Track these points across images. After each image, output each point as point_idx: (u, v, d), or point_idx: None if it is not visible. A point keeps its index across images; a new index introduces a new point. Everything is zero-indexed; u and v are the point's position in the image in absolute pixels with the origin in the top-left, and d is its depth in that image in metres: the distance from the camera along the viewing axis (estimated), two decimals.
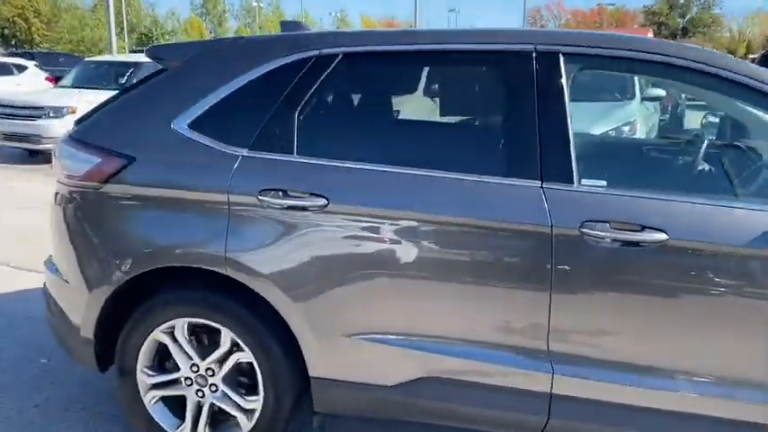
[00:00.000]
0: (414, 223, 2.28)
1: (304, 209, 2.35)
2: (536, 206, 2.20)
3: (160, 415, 2.68)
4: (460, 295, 2.30)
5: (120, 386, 2.68)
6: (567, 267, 2.18)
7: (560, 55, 2.30)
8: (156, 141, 2.54)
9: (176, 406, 2.69)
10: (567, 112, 2.24)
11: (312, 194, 2.34)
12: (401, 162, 2.35)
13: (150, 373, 2.65)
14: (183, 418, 2.66)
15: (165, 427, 2.67)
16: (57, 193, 2.77)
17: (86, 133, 2.67)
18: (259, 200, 2.38)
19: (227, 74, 2.54)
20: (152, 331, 2.58)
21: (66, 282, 2.68)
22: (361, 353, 2.41)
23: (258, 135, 2.46)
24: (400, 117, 2.64)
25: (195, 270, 2.49)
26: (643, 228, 2.13)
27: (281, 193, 2.37)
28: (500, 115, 2.35)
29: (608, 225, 2.15)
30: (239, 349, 2.53)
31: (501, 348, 2.31)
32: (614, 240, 2.15)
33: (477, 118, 2.38)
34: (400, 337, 2.37)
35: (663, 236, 2.11)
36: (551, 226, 2.18)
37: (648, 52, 2.28)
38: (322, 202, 2.32)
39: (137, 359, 2.63)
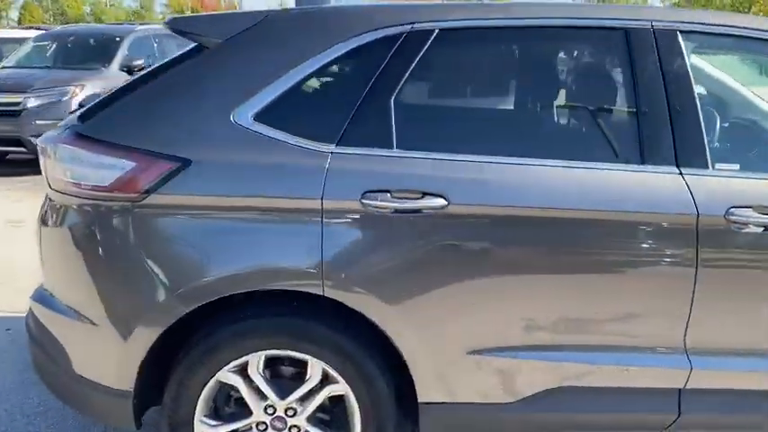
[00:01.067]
0: (545, 221, 2.04)
1: (417, 211, 2.01)
2: (679, 194, 2.06)
3: None
4: (596, 296, 2.10)
5: None
6: (712, 257, 2.07)
7: (678, 33, 2.16)
8: (214, 139, 2.04)
9: None
10: (695, 93, 2.12)
11: (427, 194, 2.01)
12: (519, 153, 2.09)
13: (212, 422, 2.16)
14: None
15: None
16: (54, 209, 2.16)
17: (105, 130, 2.08)
18: (362, 204, 1.99)
19: (297, 54, 2.10)
20: (217, 372, 2.10)
21: (94, 324, 2.09)
22: (484, 370, 2.13)
23: (346, 128, 2.06)
24: (511, 102, 2.35)
25: (268, 293, 2.06)
26: None
27: (388, 195, 2.00)
28: (624, 98, 2.16)
29: (751, 210, 2.06)
30: (330, 382, 2.14)
31: (637, 349, 2.15)
32: (758, 225, 2.07)
33: (598, 102, 2.17)
34: (529, 349, 2.12)
35: None
36: (697, 215, 2.04)
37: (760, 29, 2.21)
38: (440, 202, 2.00)
39: (194, 409, 2.13)
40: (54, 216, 2.16)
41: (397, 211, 2.00)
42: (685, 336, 2.13)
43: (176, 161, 1.99)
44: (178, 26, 2.28)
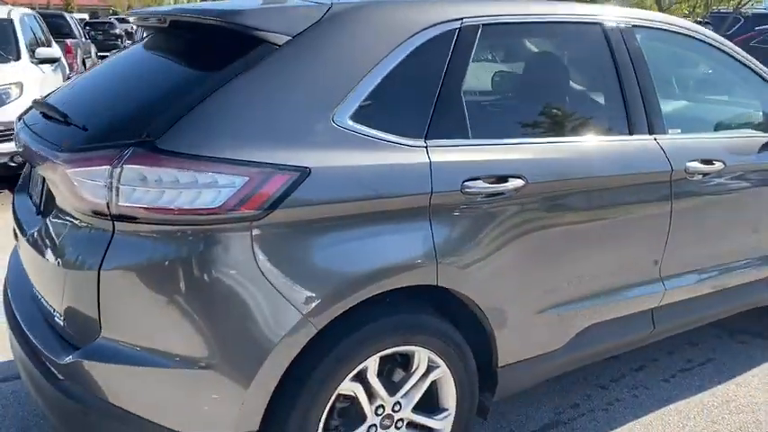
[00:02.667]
0: (594, 188, 2.43)
1: (501, 194, 2.20)
2: (658, 155, 2.60)
3: None
4: (623, 243, 2.59)
5: None
6: (679, 199, 2.67)
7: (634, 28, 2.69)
8: (322, 143, 1.92)
9: None
10: (650, 74, 2.68)
11: (510, 177, 2.20)
12: (564, 132, 2.47)
13: None
14: None
15: None
16: (125, 243, 1.80)
17: (193, 144, 1.79)
18: (462, 193, 2.11)
19: (374, 52, 2.08)
20: (338, 387, 2.01)
21: (204, 368, 1.82)
22: (546, 325, 2.44)
23: (430, 121, 2.12)
24: (554, 90, 2.61)
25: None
26: (713, 161, 2.77)
27: (480, 181, 2.15)
28: (616, 81, 2.60)
29: (697, 162, 2.72)
30: (432, 368, 2.21)
31: (636, 284, 2.68)
32: (699, 173, 2.73)
33: (604, 84, 2.59)
34: (576, 300, 2.50)
35: (722, 165, 2.79)
36: (671, 170, 2.63)
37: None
38: (519, 183, 2.21)
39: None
40: (126, 251, 1.79)
41: (487, 195, 2.16)
42: (661, 264, 2.73)
43: (295, 171, 1.84)
44: (233, 20, 2.02)
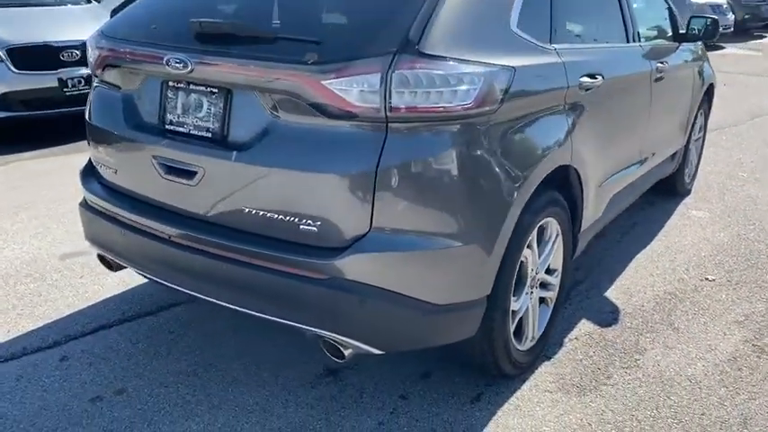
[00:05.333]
0: (632, 81, 3.13)
1: (590, 88, 2.73)
2: (645, 58, 3.35)
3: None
4: (643, 121, 3.34)
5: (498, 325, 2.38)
6: (654, 92, 3.46)
7: None
8: (507, 47, 2.27)
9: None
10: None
11: (596, 75, 2.74)
12: (612, 39, 3.11)
13: (512, 298, 2.47)
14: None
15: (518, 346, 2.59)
16: (402, 139, 1.99)
17: (444, 47, 2.02)
18: (580, 87, 2.60)
19: None
20: (522, 253, 2.42)
21: (461, 244, 2.10)
22: (599, 196, 3.05)
23: (551, 29, 2.56)
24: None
25: None
26: (666, 62, 3.60)
27: (586, 77, 2.66)
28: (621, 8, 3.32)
29: (660, 63, 3.52)
30: (556, 236, 2.72)
31: (634, 162, 3.44)
32: (660, 71, 3.55)
33: (619, 9, 3.26)
34: (619, 170, 3.22)
35: (668, 64, 3.64)
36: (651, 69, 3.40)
37: None
38: (600, 80, 2.77)
39: (510, 291, 2.41)
40: (398, 149, 1.96)
41: (586, 89, 2.68)
42: (642, 145, 3.52)
43: (511, 69, 2.16)
44: None
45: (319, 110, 1.99)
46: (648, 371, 2.73)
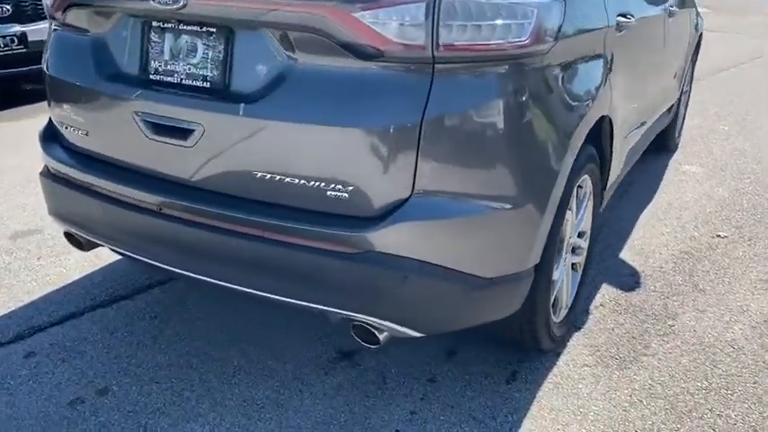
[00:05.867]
0: (654, 23, 2.92)
1: (623, 29, 2.45)
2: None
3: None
4: (654, 73, 3.08)
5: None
6: (666, 32, 3.26)
7: None
8: None
9: None
10: None
11: (627, 14, 2.47)
12: None
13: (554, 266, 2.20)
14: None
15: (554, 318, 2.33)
16: (449, 83, 1.66)
17: None
18: (617, 28, 2.33)
19: None
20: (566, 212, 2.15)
21: (514, 207, 1.80)
22: (623, 148, 2.81)
23: None
24: None
25: None
26: (673, 7, 3.37)
27: (621, 16, 2.38)
28: None
29: (671, 7, 3.27)
30: (589, 195, 2.46)
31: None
32: (671, 15, 3.31)
33: None
34: (637, 124, 2.95)
35: (673, 9, 3.41)
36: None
37: None
38: (632, 19, 2.50)
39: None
40: (447, 94, 1.64)
41: (620, 30, 2.40)
42: (656, 88, 3.30)
43: (561, 2, 1.86)
44: None
45: (349, 49, 1.63)
46: (686, 337, 2.53)
